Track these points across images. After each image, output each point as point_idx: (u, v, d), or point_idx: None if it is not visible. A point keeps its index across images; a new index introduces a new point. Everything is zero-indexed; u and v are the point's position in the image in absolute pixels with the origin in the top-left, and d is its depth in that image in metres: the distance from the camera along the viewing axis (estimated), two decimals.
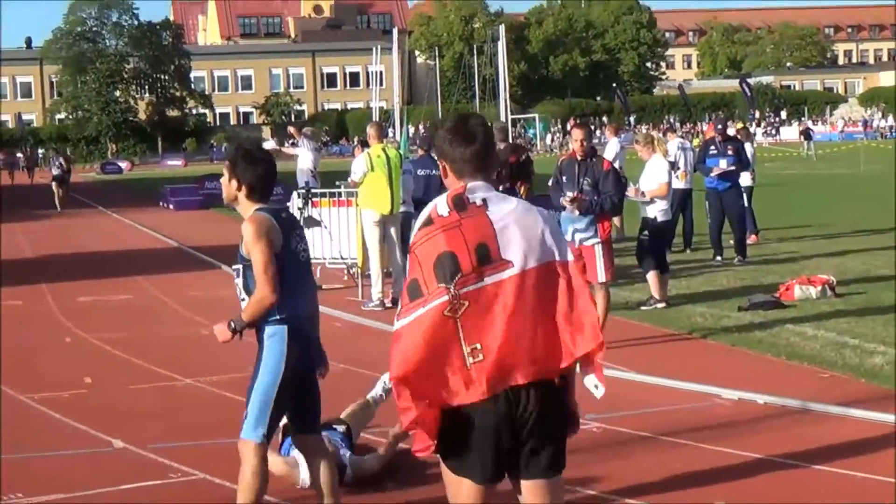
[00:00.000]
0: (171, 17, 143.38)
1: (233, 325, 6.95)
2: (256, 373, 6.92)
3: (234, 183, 6.97)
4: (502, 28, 74.03)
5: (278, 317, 6.86)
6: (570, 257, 5.38)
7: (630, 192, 15.98)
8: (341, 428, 9.16)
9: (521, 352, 5.18)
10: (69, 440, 9.78)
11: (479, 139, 5.38)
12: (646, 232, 16.21)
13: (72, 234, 26.85)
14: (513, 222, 5.25)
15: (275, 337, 6.90)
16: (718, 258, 20.94)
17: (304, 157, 26.93)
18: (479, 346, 5.14)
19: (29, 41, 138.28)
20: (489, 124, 5.69)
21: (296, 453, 8.68)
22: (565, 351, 5.27)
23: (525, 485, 5.35)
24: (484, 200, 5.27)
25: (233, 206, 7.10)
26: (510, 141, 22.35)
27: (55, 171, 46.10)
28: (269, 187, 7.05)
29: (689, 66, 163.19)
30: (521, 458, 5.29)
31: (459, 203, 5.26)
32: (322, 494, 7.25)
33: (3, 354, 13.65)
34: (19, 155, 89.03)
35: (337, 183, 20.05)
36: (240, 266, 7.03)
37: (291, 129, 32.73)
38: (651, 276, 16.05)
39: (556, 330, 5.26)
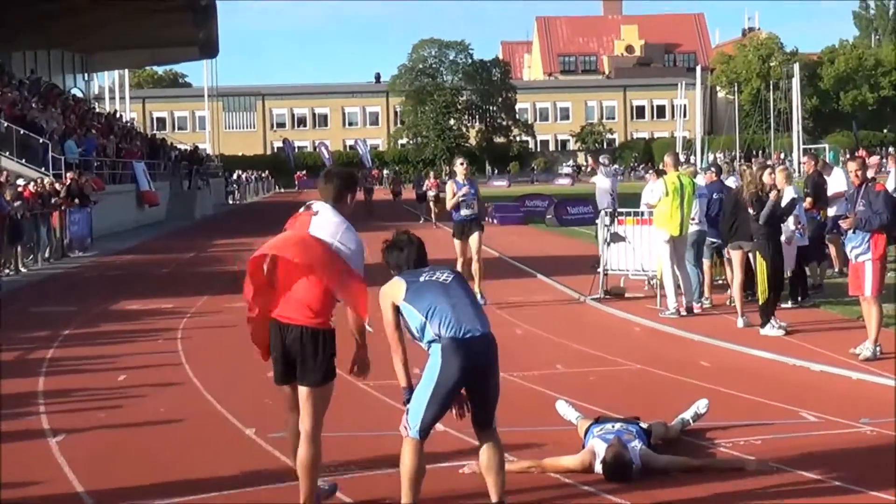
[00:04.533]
0: (500, 56, 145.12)
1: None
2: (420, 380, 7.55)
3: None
4: (797, 66, 72.95)
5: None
6: (351, 248, 7.62)
7: None
8: (644, 424, 9.07)
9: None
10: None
11: (334, 183, 7.92)
12: None
13: None
14: (323, 220, 7.71)
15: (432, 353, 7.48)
16: None
17: (601, 181, 27.39)
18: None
19: (378, 76, 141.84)
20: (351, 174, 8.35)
21: (595, 442, 8.73)
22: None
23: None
24: (318, 210, 7.83)
25: None
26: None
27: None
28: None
29: None
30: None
31: (307, 208, 7.91)
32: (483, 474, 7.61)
33: None
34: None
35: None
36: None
37: (590, 159, 33.10)
38: None
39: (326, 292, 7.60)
